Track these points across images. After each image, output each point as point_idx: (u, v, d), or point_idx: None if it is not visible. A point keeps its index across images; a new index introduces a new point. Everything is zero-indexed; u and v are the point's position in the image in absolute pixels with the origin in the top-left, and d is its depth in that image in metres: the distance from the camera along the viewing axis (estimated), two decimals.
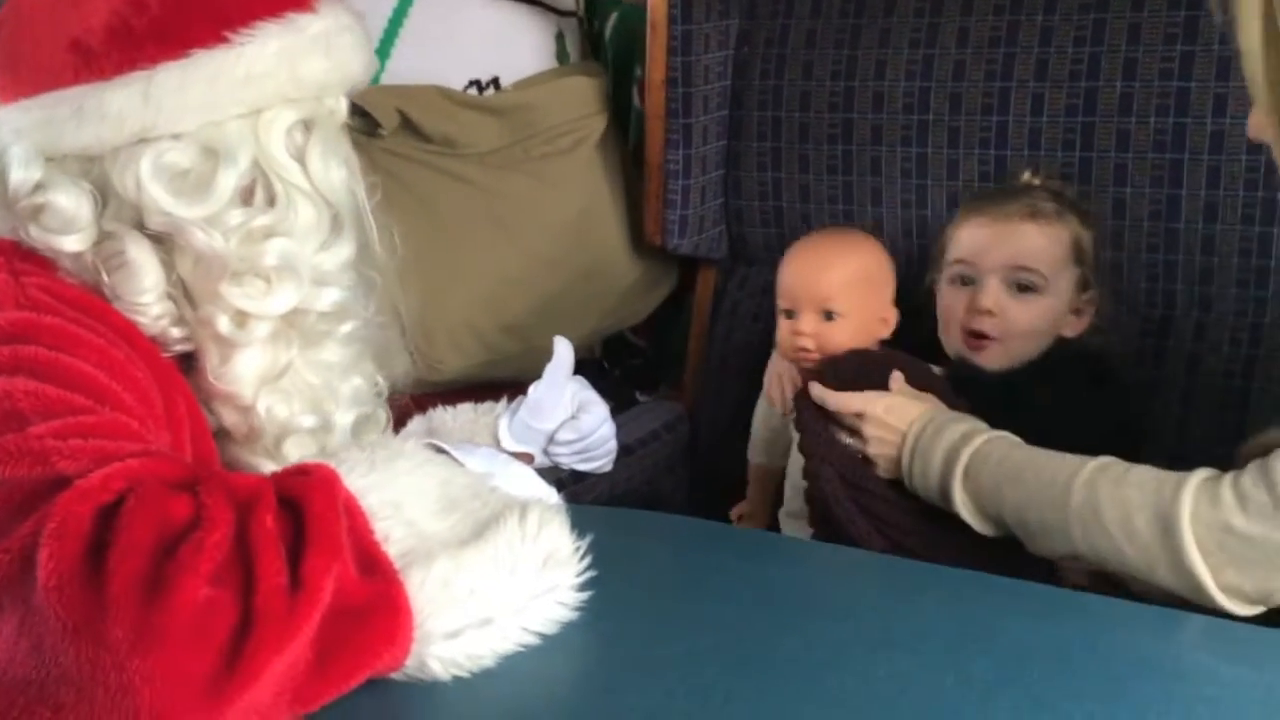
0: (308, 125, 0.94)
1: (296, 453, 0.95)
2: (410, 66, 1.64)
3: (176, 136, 0.89)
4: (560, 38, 1.74)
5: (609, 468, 1.25)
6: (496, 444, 1.18)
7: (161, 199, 0.88)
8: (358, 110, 1.54)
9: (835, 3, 1.61)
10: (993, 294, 1.28)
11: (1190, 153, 1.38)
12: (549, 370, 1.17)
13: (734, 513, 1.54)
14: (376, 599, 0.74)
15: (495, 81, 1.67)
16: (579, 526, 0.86)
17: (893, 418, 1.16)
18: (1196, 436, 1.37)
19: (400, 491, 0.81)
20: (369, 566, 0.76)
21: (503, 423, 1.19)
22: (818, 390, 1.22)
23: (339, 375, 0.99)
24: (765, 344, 1.50)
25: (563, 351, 1.17)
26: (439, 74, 1.64)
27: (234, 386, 0.93)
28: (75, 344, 0.82)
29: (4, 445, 0.73)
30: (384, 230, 1.03)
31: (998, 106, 1.49)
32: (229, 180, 0.90)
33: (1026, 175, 1.37)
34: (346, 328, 0.98)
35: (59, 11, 0.88)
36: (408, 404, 1.15)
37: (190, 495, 0.73)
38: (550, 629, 0.82)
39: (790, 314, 1.34)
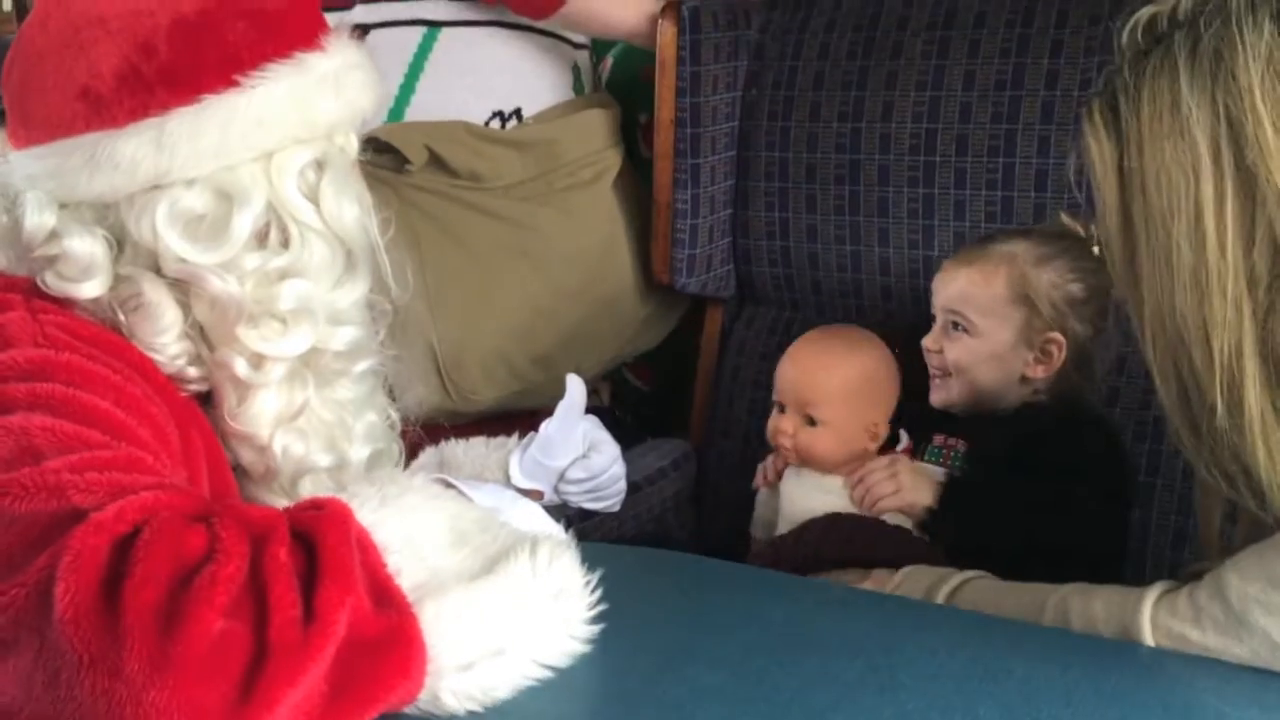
0: (320, 164, 0.94)
1: (312, 491, 0.95)
2: (435, 100, 1.66)
3: (190, 182, 0.89)
4: (576, 69, 1.77)
5: (618, 507, 1.25)
6: (507, 480, 1.18)
7: (177, 245, 0.88)
8: (386, 147, 1.57)
9: (843, 45, 1.63)
10: (934, 333, 1.37)
11: None
12: (561, 408, 1.18)
13: None
14: (390, 632, 0.74)
15: (517, 112, 1.68)
16: (586, 563, 0.86)
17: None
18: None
19: (411, 526, 0.81)
20: (382, 599, 0.76)
21: (514, 458, 1.19)
22: None
23: (353, 412, 0.99)
24: (771, 382, 1.51)
25: (575, 389, 1.18)
26: (463, 106, 1.66)
27: (251, 427, 0.94)
28: (92, 381, 0.82)
29: (20, 479, 0.74)
30: (401, 267, 1.02)
31: (1004, 148, 1.51)
32: (244, 224, 0.90)
33: (1065, 219, 1.38)
34: (361, 366, 0.99)
35: (67, 58, 0.88)
36: (419, 437, 1.15)
37: (205, 528, 0.73)
38: (562, 661, 0.81)
39: (781, 407, 1.38)
